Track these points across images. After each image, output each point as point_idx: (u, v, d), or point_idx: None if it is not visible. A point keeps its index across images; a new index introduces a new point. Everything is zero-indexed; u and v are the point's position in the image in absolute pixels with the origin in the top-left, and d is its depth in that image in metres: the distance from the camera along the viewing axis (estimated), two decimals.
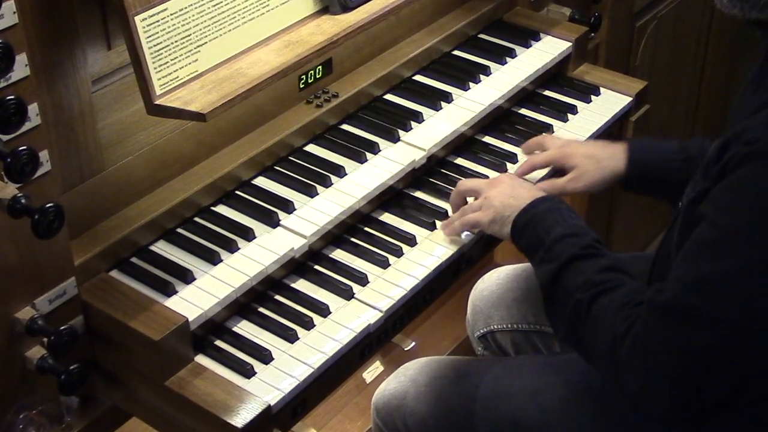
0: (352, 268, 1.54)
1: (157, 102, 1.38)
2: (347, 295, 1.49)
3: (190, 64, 1.42)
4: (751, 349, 1.23)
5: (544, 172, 1.71)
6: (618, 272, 1.38)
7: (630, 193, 1.71)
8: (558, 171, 1.69)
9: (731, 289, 1.20)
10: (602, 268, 1.38)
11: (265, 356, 1.39)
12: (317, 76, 1.73)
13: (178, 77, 1.40)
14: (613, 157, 1.64)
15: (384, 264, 1.54)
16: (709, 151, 1.31)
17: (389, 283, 1.51)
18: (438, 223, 1.62)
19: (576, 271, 1.39)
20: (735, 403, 1.32)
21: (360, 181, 1.64)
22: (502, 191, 1.54)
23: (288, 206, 1.58)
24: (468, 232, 1.59)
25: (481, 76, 1.91)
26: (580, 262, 1.39)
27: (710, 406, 1.31)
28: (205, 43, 1.43)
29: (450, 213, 1.63)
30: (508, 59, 1.96)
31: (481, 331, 1.88)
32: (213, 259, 1.48)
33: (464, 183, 1.63)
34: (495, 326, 1.85)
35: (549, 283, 1.42)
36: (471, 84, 1.88)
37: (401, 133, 1.75)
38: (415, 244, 1.58)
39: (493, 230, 1.54)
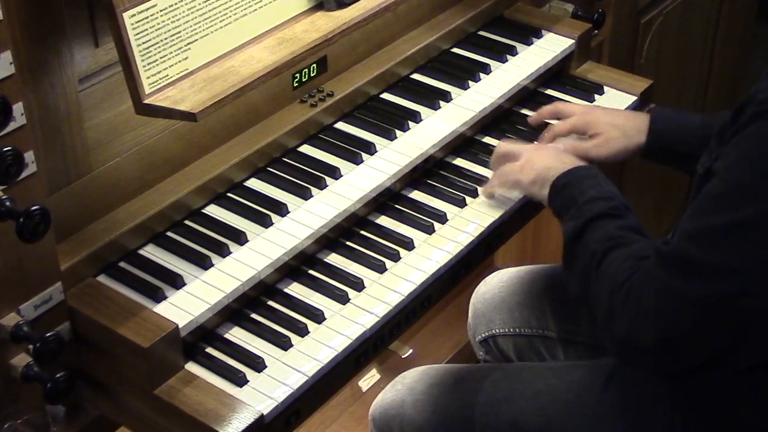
0: (348, 273, 1.54)
1: (146, 101, 1.38)
2: (343, 300, 1.49)
3: (180, 62, 1.42)
4: (748, 307, 1.25)
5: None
6: (639, 234, 1.42)
7: (649, 161, 1.75)
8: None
9: (734, 241, 1.23)
10: (624, 226, 1.42)
11: (257, 364, 1.39)
12: (311, 75, 1.73)
13: (167, 76, 1.41)
14: (638, 130, 1.70)
15: (380, 268, 1.54)
16: (724, 117, 1.35)
17: (386, 289, 1.52)
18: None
19: (598, 227, 1.43)
20: (725, 368, 1.34)
21: (356, 183, 1.64)
22: (546, 155, 1.61)
23: (281, 209, 1.58)
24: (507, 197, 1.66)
25: (481, 74, 1.91)
26: (603, 220, 1.44)
27: (697, 365, 1.34)
28: (196, 40, 1.43)
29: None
30: (508, 57, 1.97)
31: (483, 335, 1.89)
32: (204, 264, 1.49)
33: (505, 144, 1.70)
34: (497, 330, 1.86)
35: (572, 239, 1.46)
36: (470, 83, 1.89)
37: (398, 133, 1.75)
38: (413, 248, 1.58)
39: (533, 191, 1.60)
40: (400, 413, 1.69)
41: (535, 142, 1.70)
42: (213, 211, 1.60)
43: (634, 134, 1.69)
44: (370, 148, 1.71)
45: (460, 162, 1.79)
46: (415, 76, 1.92)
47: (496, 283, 1.91)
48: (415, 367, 1.79)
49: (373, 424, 1.75)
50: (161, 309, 1.42)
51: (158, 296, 1.44)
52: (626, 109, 1.92)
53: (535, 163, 1.59)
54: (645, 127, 1.69)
